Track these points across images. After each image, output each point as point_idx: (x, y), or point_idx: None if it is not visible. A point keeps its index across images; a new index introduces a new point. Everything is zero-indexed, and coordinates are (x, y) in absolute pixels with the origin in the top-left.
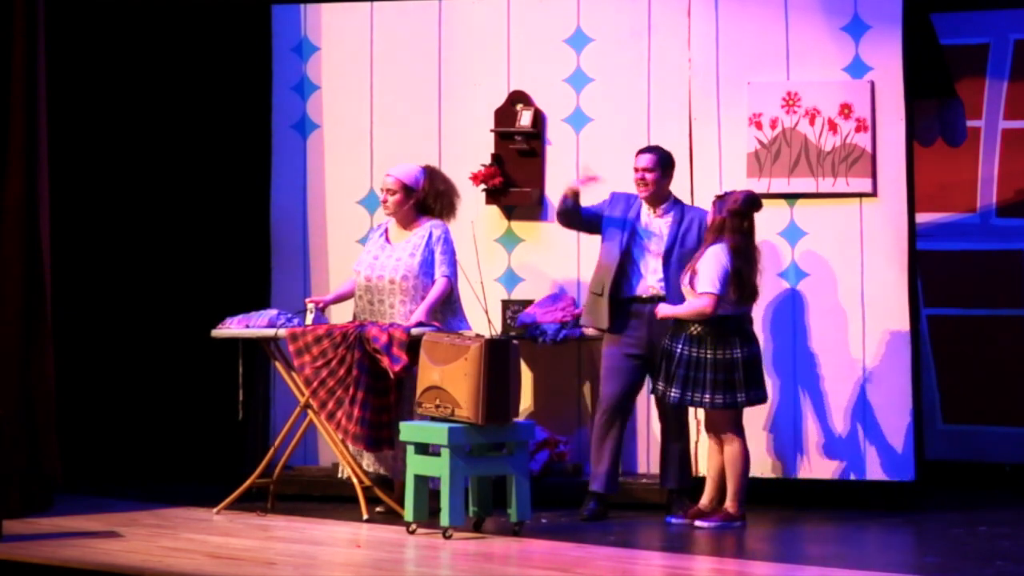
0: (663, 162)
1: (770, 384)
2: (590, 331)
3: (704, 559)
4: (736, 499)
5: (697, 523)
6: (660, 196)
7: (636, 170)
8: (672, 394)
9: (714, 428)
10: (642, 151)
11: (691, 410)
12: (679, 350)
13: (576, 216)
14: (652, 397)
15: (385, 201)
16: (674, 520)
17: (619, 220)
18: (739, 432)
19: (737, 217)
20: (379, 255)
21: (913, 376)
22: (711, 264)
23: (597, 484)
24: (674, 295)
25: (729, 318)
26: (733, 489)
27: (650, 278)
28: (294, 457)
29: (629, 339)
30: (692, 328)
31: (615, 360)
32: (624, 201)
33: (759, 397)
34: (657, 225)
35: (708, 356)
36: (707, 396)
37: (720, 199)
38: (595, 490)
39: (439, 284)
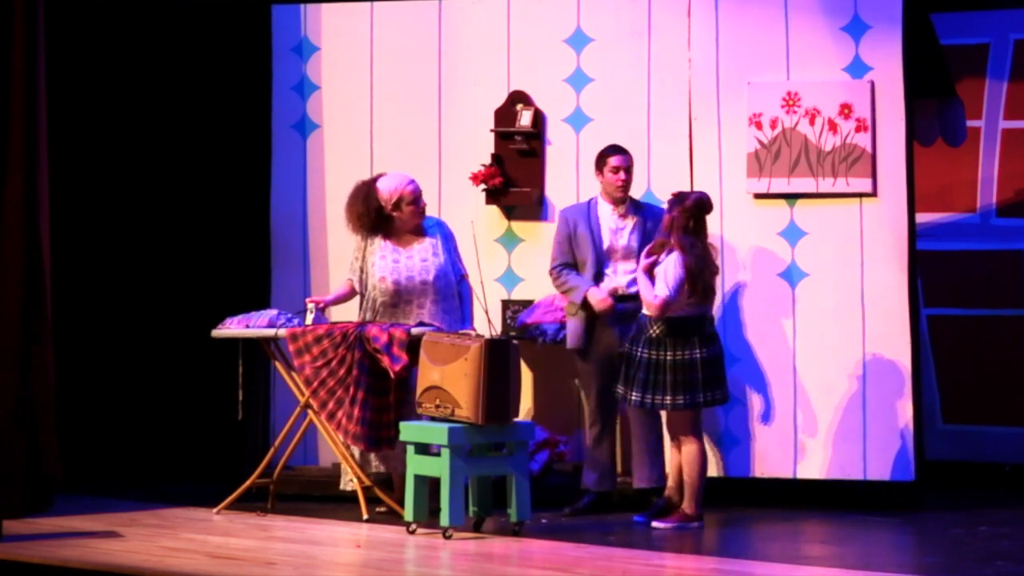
0: None
1: (770, 384)
2: None
3: (704, 559)
4: (693, 500)
5: (654, 524)
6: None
7: (617, 169)
8: (633, 397)
9: (673, 429)
10: (619, 150)
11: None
12: (639, 353)
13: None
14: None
15: (425, 205)
16: (639, 519)
17: (584, 234)
18: (697, 434)
19: (685, 216)
20: (398, 259)
21: (913, 376)
22: (670, 270)
23: (588, 480)
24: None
25: (688, 319)
26: (689, 491)
27: (620, 279)
28: (294, 457)
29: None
30: (651, 330)
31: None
32: (577, 212)
33: (720, 397)
34: (624, 224)
35: (667, 358)
36: (667, 397)
37: (677, 196)
38: (586, 486)
39: (471, 286)
